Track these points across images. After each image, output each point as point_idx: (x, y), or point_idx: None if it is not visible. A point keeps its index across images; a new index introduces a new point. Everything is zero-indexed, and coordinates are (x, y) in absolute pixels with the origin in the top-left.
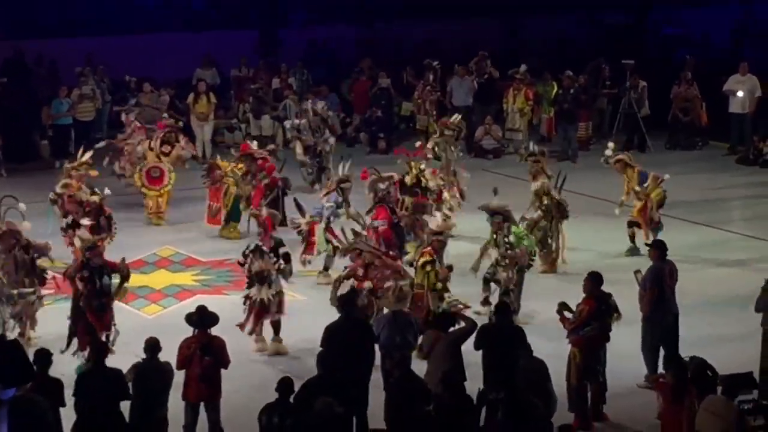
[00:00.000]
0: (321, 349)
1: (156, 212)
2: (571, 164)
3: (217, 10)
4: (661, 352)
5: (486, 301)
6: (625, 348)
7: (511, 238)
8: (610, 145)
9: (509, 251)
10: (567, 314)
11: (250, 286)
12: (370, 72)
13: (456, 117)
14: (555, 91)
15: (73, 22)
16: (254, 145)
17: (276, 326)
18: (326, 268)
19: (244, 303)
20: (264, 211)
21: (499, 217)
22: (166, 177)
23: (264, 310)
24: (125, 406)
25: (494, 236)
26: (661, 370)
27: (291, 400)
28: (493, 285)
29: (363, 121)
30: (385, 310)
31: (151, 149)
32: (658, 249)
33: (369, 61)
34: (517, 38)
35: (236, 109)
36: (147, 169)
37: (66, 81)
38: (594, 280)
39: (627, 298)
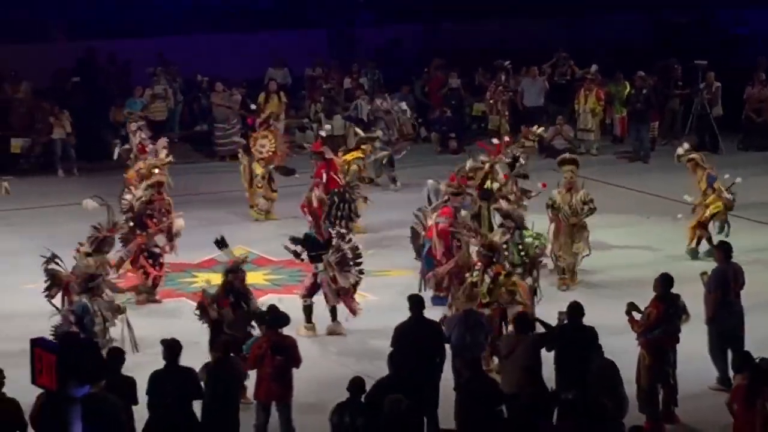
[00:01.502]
0: (391, 349)
1: (260, 208)
2: (642, 164)
3: (287, 9)
4: (729, 354)
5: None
6: (696, 350)
7: (528, 240)
8: (685, 144)
9: (524, 256)
10: (636, 315)
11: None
12: (440, 72)
13: (537, 127)
14: (627, 91)
15: (143, 22)
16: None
17: (333, 311)
18: None
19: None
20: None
21: (511, 222)
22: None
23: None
24: (197, 405)
25: (504, 243)
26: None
27: (362, 399)
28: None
29: (433, 120)
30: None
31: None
32: (723, 251)
33: (440, 61)
34: (583, 38)
35: (308, 108)
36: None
37: (137, 81)
38: (664, 281)
39: (697, 299)
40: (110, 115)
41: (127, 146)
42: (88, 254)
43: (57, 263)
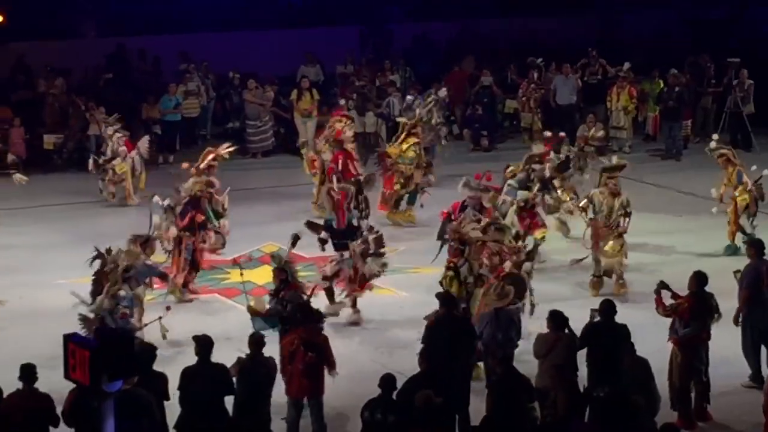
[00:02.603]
0: (422, 345)
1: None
2: (674, 162)
3: (319, 6)
4: (764, 351)
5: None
6: (728, 347)
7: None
8: (714, 136)
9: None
10: (664, 295)
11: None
12: (473, 70)
13: (596, 131)
14: (660, 88)
15: (175, 18)
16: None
17: (354, 300)
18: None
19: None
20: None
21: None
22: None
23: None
24: (229, 401)
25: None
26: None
27: (393, 396)
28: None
29: (465, 118)
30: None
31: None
32: (756, 248)
33: (472, 58)
34: (615, 35)
35: (340, 105)
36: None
37: (168, 77)
38: (698, 279)
39: (730, 297)
40: (142, 111)
41: (104, 157)
42: (144, 243)
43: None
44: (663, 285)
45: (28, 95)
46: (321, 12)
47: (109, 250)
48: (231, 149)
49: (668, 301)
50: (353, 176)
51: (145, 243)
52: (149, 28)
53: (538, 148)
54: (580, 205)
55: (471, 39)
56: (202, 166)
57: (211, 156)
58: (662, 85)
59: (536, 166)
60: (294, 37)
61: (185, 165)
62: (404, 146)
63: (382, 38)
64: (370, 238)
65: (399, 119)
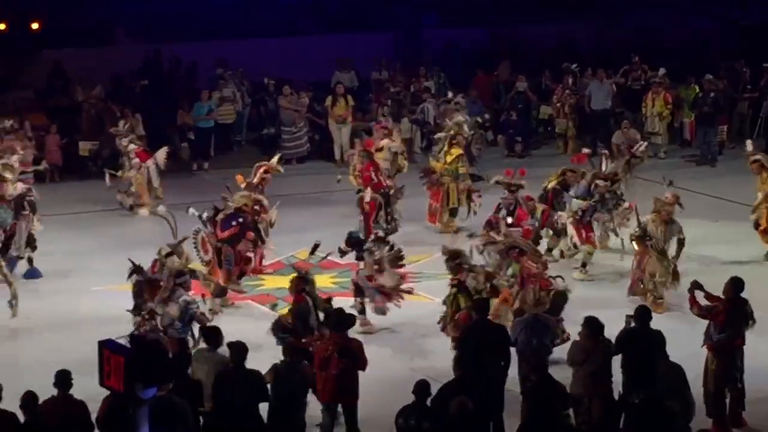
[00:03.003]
0: (456, 352)
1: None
2: (710, 168)
3: (354, 12)
4: None
5: None
6: (765, 354)
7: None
8: (748, 142)
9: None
10: (699, 299)
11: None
12: (509, 75)
13: (641, 145)
14: (695, 94)
15: (209, 25)
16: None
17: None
18: (584, 265)
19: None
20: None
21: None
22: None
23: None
24: (264, 407)
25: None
26: None
27: (428, 403)
28: None
29: (499, 124)
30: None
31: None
32: None
33: (507, 63)
34: (650, 39)
35: (375, 111)
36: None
37: (203, 84)
38: (734, 285)
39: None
40: (178, 118)
41: (122, 171)
42: (169, 254)
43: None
44: (697, 285)
45: (64, 102)
46: (356, 18)
47: (139, 267)
48: (279, 162)
49: (702, 301)
50: (382, 187)
51: (169, 254)
52: (184, 35)
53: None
54: (636, 235)
55: (505, 44)
56: (255, 180)
57: (262, 169)
58: (697, 90)
59: (600, 182)
60: (329, 43)
61: (239, 178)
62: (448, 158)
63: (416, 44)
64: (377, 251)
65: (437, 135)
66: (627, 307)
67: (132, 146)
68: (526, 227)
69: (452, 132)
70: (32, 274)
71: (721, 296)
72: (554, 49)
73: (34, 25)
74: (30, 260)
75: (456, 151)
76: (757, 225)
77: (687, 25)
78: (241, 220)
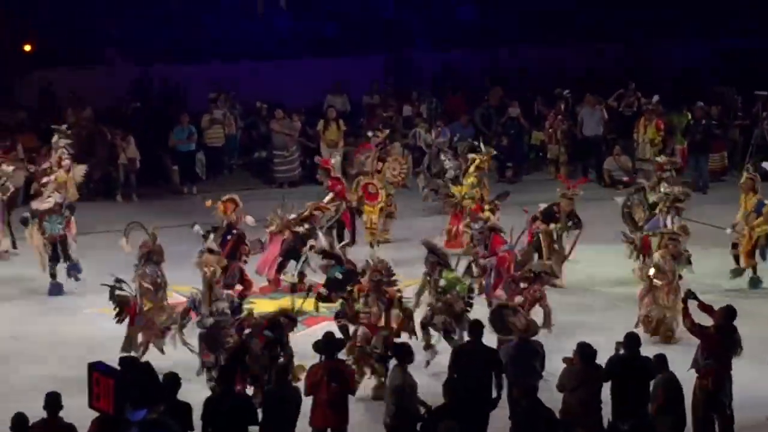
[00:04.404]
0: (448, 375)
1: (370, 228)
2: (701, 195)
3: (346, 36)
4: None
5: (428, 346)
6: (753, 379)
7: (442, 282)
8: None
9: (441, 295)
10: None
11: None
12: (500, 101)
13: (665, 158)
14: (687, 121)
15: (201, 47)
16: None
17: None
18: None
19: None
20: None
21: (435, 258)
22: (380, 194)
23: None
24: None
25: (427, 277)
26: None
27: (417, 427)
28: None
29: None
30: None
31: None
32: None
33: (500, 89)
34: (644, 66)
35: (366, 136)
36: (364, 184)
37: (197, 106)
38: (727, 313)
39: (756, 328)
40: (169, 140)
41: (41, 167)
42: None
43: (122, 288)
44: (691, 294)
45: (56, 124)
46: (348, 42)
47: (120, 280)
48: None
49: (695, 312)
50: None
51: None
52: (177, 57)
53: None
54: (650, 274)
55: (497, 68)
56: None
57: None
58: (689, 117)
59: (680, 205)
60: (321, 67)
61: (208, 204)
62: (466, 181)
63: (407, 68)
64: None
65: (471, 155)
66: (620, 333)
67: (63, 151)
68: (500, 254)
69: (474, 157)
70: (57, 290)
71: (714, 309)
72: (547, 74)
73: (27, 47)
74: (53, 275)
75: (474, 177)
76: (735, 245)
77: (682, 52)
78: (234, 232)
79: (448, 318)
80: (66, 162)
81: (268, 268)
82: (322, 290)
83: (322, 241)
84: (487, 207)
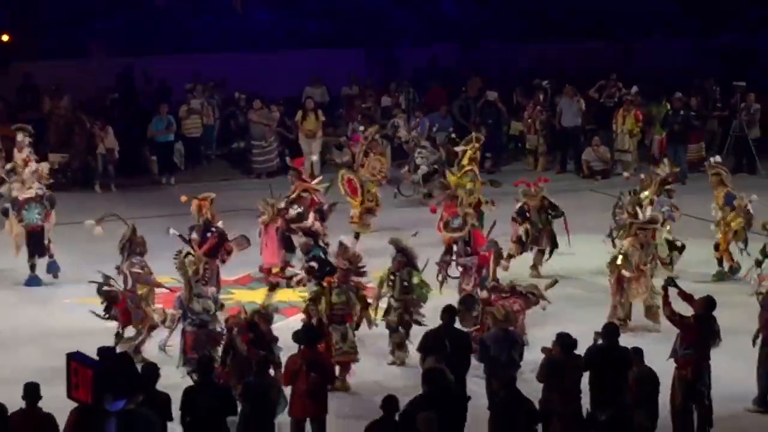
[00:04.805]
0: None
1: (356, 221)
2: (680, 185)
3: (326, 29)
4: None
5: (400, 345)
6: (732, 371)
7: (415, 280)
8: (717, 157)
9: (405, 294)
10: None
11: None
12: (478, 91)
13: (668, 170)
14: (666, 111)
15: (182, 39)
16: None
17: None
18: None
19: None
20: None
21: (403, 258)
22: (359, 190)
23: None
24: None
25: (390, 275)
26: None
27: (395, 417)
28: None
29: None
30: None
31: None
32: None
33: (479, 80)
34: (629, 60)
35: (345, 126)
36: (347, 178)
37: (176, 97)
38: (706, 303)
39: (734, 319)
40: (148, 131)
41: (8, 165)
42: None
43: (110, 284)
44: (671, 282)
45: (34, 116)
46: (328, 34)
47: (107, 276)
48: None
49: (675, 300)
50: (316, 204)
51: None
52: (158, 49)
53: (663, 170)
54: (618, 263)
55: (480, 63)
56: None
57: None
58: (669, 108)
59: (669, 187)
60: (300, 59)
61: (183, 198)
62: (460, 172)
63: (387, 60)
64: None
65: (459, 148)
66: (599, 324)
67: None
68: (482, 253)
69: (468, 147)
70: (35, 282)
71: (694, 298)
72: (529, 68)
73: (4, 37)
74: (33, 267)
75: (468, 165)
76: (717, 246)
77: (664, 47)
78: (214, 230)
79: (407, 317)
80: (32, 162)
81: (273, 256)
82: (313, 263)
83: (310, 221)
84: (485, 203)
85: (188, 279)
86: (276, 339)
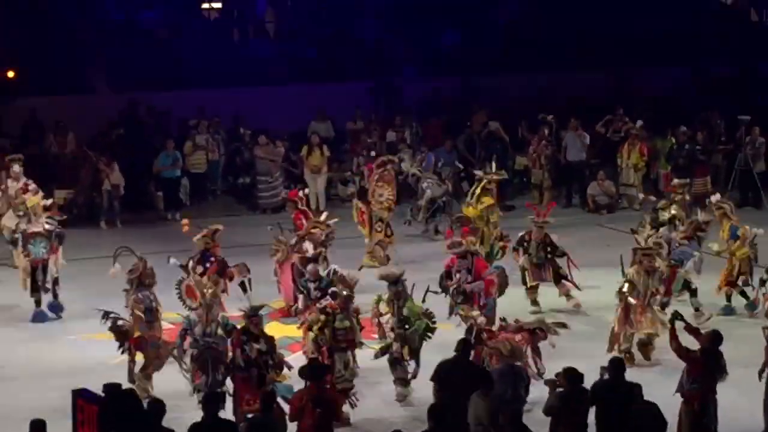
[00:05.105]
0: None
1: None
2: None
3: (330, 62)
4: None
5: (403, 381)
6: (738, 404)
7: (405, 312)
8: (718, 195)
9: (402, 324)
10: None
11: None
12: (483, 126)
13: (678, 181)
14: (671, 145)
15: (186, 74)
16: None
17: None
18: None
19: None
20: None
21: (400, 288)
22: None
23: None
24: None
25: (392, 301)
26: None
27: None
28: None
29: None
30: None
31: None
32: None
33: (483, 114)
34: (628, 91)
35: (350, 161)
36: (360, 209)
37: (181, 132)
38: (713, 338)
39: (739, 353)
40: (153, 167)
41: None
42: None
43: (115, 318)
44: (678, 315)
45: (37, 150)
46: (332, 68)
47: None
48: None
49: (682, 334)
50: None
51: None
52: (162, 84)
53: (705, 217)
54: (623, 290)
55: (481, 95)
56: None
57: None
58: (674, 142)
59: (702, 234)
60: (305, 93)
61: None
62: (479, 206)
63: (392, 94)
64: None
65: (477, 173)
66: (604, 359)
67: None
68: (487, 278)
69: (484, 180)
70: (41, 317)
71: (700, 332)
72: (531, 100)
73: (10, 74)
74: (37, 302)
75: (488, 200)
76: (734, 283)
77: (665, 78)
78: (212, 259)
79: (401, 349)
80: (32, 186)
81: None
82: (334, 289)
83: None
84: (499, 243)
85: (207, 302)
86: (272, 338)
